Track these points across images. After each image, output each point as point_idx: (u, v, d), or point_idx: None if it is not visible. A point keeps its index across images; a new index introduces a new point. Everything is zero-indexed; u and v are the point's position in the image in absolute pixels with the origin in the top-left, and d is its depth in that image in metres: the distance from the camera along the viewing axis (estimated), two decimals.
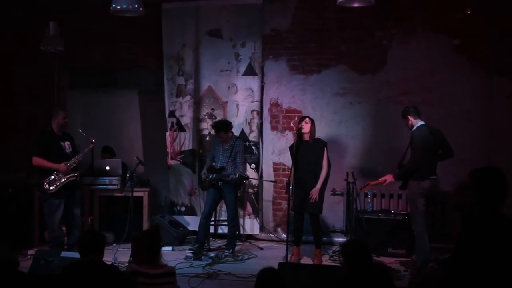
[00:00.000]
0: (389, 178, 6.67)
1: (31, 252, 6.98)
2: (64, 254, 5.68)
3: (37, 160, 6.92)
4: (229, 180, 7.25)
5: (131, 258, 6.27)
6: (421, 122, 6.53)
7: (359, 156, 8.25)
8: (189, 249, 7.33)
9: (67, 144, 7.15)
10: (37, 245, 7.51)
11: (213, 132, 7.78)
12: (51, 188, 6.88)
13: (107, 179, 7.94)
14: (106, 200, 8.36)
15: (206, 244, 7.59)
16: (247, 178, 7.61)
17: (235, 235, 7.62)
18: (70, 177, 6.99)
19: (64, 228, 7.23)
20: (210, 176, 7.37)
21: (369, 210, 7.86)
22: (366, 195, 8.02)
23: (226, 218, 7.79)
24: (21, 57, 8.91)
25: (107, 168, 7.99)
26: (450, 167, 6.91)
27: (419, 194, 6.40)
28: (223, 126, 7.41)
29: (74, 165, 7.05)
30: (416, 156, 6.37)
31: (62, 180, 6.93)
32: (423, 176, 6.39)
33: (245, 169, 8.03)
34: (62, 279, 3.97)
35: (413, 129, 6.53)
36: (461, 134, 7.54)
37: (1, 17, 8.73)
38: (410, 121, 6.55)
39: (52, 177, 6.90)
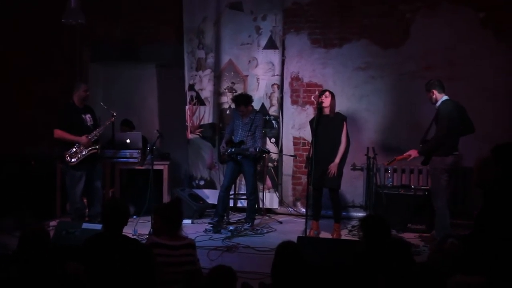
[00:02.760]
0: (413, 153, 6.61)
1: (53, 223, 7.05)
2: (85, 225, 5.75)
3: (59, 133, 6.98)
4: (248, 154, 7.24)
5: (151, 230, 6.39)
6: (445, 97, 6.43)
7: (380, 131, 8.18)
8: (209, 223, 7.37)
9: (88, 117, 7.19)
10: (59, 217, 7.60)
11: (233, 105, 7.76)
12: (73, 160, 6.95)
13: (127, 152, 7.97)
14: (126, 173, 8.41)
15: (225, 217, 7.62)
16: (268, 152, 7.60)
17: (254, 209, 7.64)
18: (91, 149, 7.04)
19: (85, 200, 7.32)
20: (229, 150, 7.36)
21: (389, 185, 7.82)
22: (386, 170, 7.98)
23: (245, 192, 7.80)
24: (42, 30, 8.91)
25: (128, 141, 8.02)
26: (472, 142, 6.84)
27: (442, 169, 6.35)
28: (243, 100, 7.38)
29: (95, 137, 7.10)
30: (442, 131, 6.29)
31: (84, 153, 6.99)
32: (447, 151, 6.33)
33: (264, 143, 8.02)
34: (83, 251, 4.01)
35: (437, 104, 6.43)
36: (484, 109, 7.45)
37: None
38: (434, 95, 6.45)
39: (74, 149, 6.96)
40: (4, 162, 7.82)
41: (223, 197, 7.49)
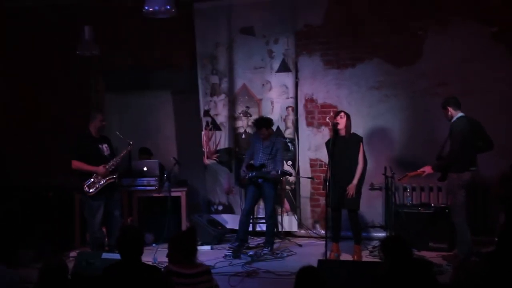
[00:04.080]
0: (427, 169, 6.58)
1: (73, 254, 7.07)
2: (105, 255, 5.75)
3: (76, 164, 7.02)
4: (270, 177, 7.23)
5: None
6: (460, 113, 6.42)
7: (397, 149, 8.13)
8: (229, 247, 7.34)
9: (105, 146, 7.23)
10: (79, 247, 7.61)
11: (249, 130, 7.78)
12: (91, 190, 6.98)
13: (145, 180, 7.99)
14: (144, 200, 8.42)
15: (247, 242, 7.57)
16: (290, 174, 7.59)
17: (273, 233, 7.60)
18: (109, 179, 7.07)
19: (104, 230, 7.33)
20: (250, 174, 7.35)
21: (408, 204, 7.75)
22: (405, 188, 7.91)
23: (263, 216, 7.77)
24: (57, 62, 9.06)
25: (145, 169, 8.04)
26: (490, 158, 6.78)
27: (459, 186, 6.31)
28: (265, 123, 7.40)
29: (113, 167, 7.13)
30: (455, 147, 6.28)
31: (102, 183, 7.02)
32: (463, 167, 6.29)
33: (283, 166, 8.01)
34: (102, 280, 4.01)
35: (452, 120, 6.42)
36: (500, 123, 7.39)
37: (38, 23, 8.89)
38: (450, 112, 6.45)
39: (92, 179, 6.99)
40: (21, 193, 7.88)
41: (244, 222, 7.46)
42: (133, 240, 4.07)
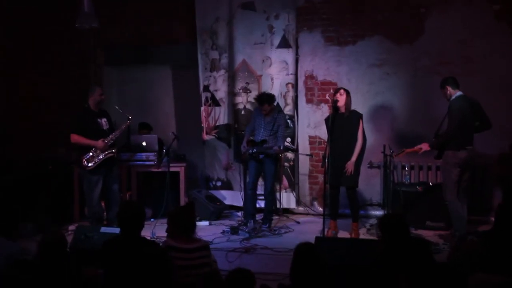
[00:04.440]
0: (424, 146, 6.62)
1: (71, 227, 7.11)
2: (103, 229, 5.76)
3: (75, 137, 7.01)
4: (272, 153, 7.23)
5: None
6: (459, 93, 6.42)
7: (396, 128, 8.12)
8: (246, 231, 7.11)
9: (104, 120, 7.22)
10: (78, 221, 7.64)
11: (249, 106, 7.74)
12: (90, 164, 6.98)
13: (144, 155, 7.98)
14: (143, 175, 8.43)
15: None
16: (294, 149, 7.57)
17: (272, 209, 7.62)
18: (108, 153, 7.07)
19: (103, 204, 7.35)
20: (251, 150, 7.35)
21: (406, 182, 7.75)
22: (403, 167, 7.92)
23: (262, 193, 7.78)
24: (56, 35, 8.98)
25: (144, 144, 8.03)
26: (489, 138, 6.80)
27: (455, 164, 6.34)
28: (267, 99, 7.37)
29: (112, 141, 7.12)
30: (452, 126, 6.30)
31: (100, 157, 7.01)
32: (460, 146, 6.32)
33: (284, 142, 8.02)
34: (101, 255, 4.03)
35: (451, 99, 6.42)
36: (501, 103, 7.39)
37: None
38: (448, 92, 6.46)
39: (90, 153, 6.99)
40: (22, 167, 7.88)
41: (251, 195, 7.47)
42: (134, 215, 4.09)
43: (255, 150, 7.30)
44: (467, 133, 6.38)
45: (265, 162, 7.35)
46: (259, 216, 7.75)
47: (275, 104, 7.55)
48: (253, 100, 8.27)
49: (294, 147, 7.89)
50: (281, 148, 7.21)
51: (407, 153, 6.82)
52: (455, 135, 6.31)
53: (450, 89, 6.44)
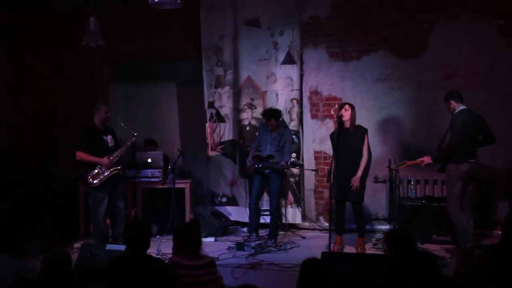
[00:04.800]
0: (426, 159, 6.65)
1: (77, 245, 7.10)
2: (109, 247, 5.76)
3: (81, 155, 7.03)
4: (279, 168, 7.23)
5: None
6: (462, 107, 6.47)
7: (401, 142, 8.11)
8: (252, 247, 7.08)
9: (109, 138, 7.24)
10: (83, 238, 7.64)
11: (254, 122, 7.77)
12: (95, 181, 6.99)
13: (149, 172, 7.99)
14: (148, 192, 8.44)
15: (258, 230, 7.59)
16: (301, 164, 7.58)
17: (277, 225, 7.60)
18: (113, 170, 7.08)
19: (108, 221, 7.34)
20: (257, 165, 7.35)
21: (412, 197, 7.74)
22: (409, 181, 7.91)
23: (267, 208, 7.76)
24: (63, 53, 9.04)
25: (149, 160, 8.04)
26: (495, 151, 6.80)
27: (457, 177, 6.37)
28: (274, 114, 7.40)
29: (117, 158, 7.14)
30: (455, 139, 6.35)
31: (106, 174, 7.03)
32: (462, 159, 6.35)
33: (290, 158, 8.03)
34: (107, 272, 4.01)
35: (453, 113, 6.45)
36: (505, 116, 7.39)
37: (43, 14, 8.87)
38: (452, 105, 6.51)
39: (96, 171, 7.00)
40: (27, 183, 7.89)
41: (254, 210, 7.49)
42: (140, 233, 4.07)
43: (261, 165, 7.30)
44: (470, 147, 6.41)
45: (271, 177, 7.35)
46: (264, 232, 7.73)
47: (281, 119, 7.56)
48: (258, 116, 8.30)
49: (302, 162, 7.89)
50: (288, 163, 7.21)
51: (409, 165, 6.82)
52: (457, 148, 6.34)
53: (453, 103, 6.48)
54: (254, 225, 7.48)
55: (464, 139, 6.31)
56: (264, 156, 7.36)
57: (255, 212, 7.50)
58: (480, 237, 6.95)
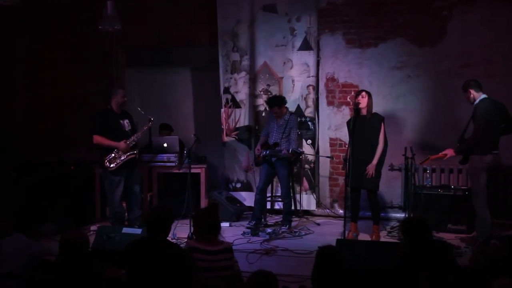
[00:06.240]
0: (449, 152, 6.52)
1: (93, 228, 7.17)
2: (125, 230, 5.81)
3: (98, 139, 7.08)
4: (282, 156, 7.23)
5: (189, 234, 6.44)
6: (483, 95, 6.33)
7: (418, 130, 8.08)
8: (247, 227, 7.37)
9: (126, 122, 7.27)
10: (99, 221, 7.71)
11: (268, 107, 7.77)
12: (112, 165, 7.03)
13: (165, 156, 8.01)
14: (164, 176, 8.47)
15: (263, 219, 7.63)
16: (301, 153, 7.58)
17: (290, 211, 7.61)
18: (130, 154, 7.12)
19: (124, 205, 7.40)
20: (264, 152, 7.37)
21: (428, 185, 7.71)
22: (425, 170, 7.88)
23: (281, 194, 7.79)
24: (80, 37, 9.08)
25: (165, 145, 8.07)
26: (511, 140, 6.71)
27: (482, 168, 6.26)
28: (276, 101, 7.38)
29: (134, 143, 7.18)
30: (479, 130, 6.21)
31: (122, 158, 7.07)
32: (486, 150, 6.23)
33: (300, 144, 8.05)
34: (124, 256, 4.05)
35: (475, 103, 6.35)
36: None
37: None
38: (472, 95, 6.37)
39: (112, 154, 7.04)
40: (44, 167, 7.97)
41: (259, 200, 7.50)
42: (163, 219, 4.12)
43: (267, 152, 7.32)
44: (493, 137, 6.29)
45: (277, 165, 7.36)
46: (279, 218, 7.76)
47: (287, 106, 7.53)
48: None
49: (302, 150, 7.84)
50: (290, 151, 7.19)
51: (432, 160, 6.74)
52: (481, 139, 6.22)
53: (473, 92, 6.36)
54: (257, 213, 7.49)
55: (488, 129, 6.19)
56: (271, 143, 7.38)
57: (259, 202, 7.50)
58: (496, 227, 6.91)
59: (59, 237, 4.18)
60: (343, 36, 8.38)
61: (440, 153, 6.60)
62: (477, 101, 6.33)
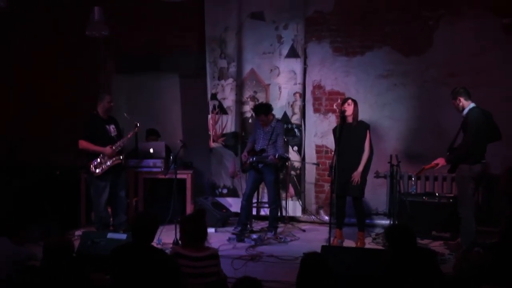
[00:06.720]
0: (441, 161, 6.51)
1: (78, 233, 7.14)
2: (110, 235, 5.80)
3: (83, 144, 7.06)
4: (268, 162, 7.26)
5: (175, 239, 6.43)
6: (472, 104, 6.34)
7: (403, 138, 8.14)
8: (232, 233, 7.38)
9: (112, 127, 7.26)
10: (84, 226, 7.68)
11: (254, 115, 7.79)
12: (97, 170, 7.02)
13: (151, 162, 8.01)
14: (150, 182, 8.46)
15: (248, 226, 7.64)
16: (287, 159, 7.60)
17: (276, 217, 7.63)
18: (116, 160, 7.11)
19: (109, 210, 7.38)
20: (251, 159, 7.40)
21: (413, 192, 7.77)
22: (410, 177, 7.93)
23: (267, 200, 7.80)
24: (67, 42, 9.04)
25: (151, 150, 8.06)
26: (497, 149, 6.76)
27: (470, 178, 6.28)
28: (263, 109, 7.41)
29: (119, 148, 7.17)
30: (469, 139, 6.22)
31: (108, 163, 7.06)
32: (475, 160, 6.25)
33: (287, 151, 8.08)
34: (110, 261, 4.04)
35: (465, 111, 6.36)
36: (508, 114, 7.37)
37: (47, 3, 8.87)
38: (461, 103, 6.37)
39: (98, 160, 7.03)
40: (29, 172, 7.92)
41: (246, 206, 7.51)
42: (149, 226, 4.12)
43: (254, 159, 7.35)
44: (482, 147, 6.31)
45: (264, 171, 7.39)
46: (264, 224, 7.77)
47: (273, 113, 7.56)
48: None
49: (288, 155, 7.89)
50: (276, 156, 7.22)
51: (426, 169, 6.75)
52: (472, 149, 6.23)
53: (463, 100, 6.35)
54: (242, 219, 7.50)
55: (478, 138, 6.21)
56: (258, 150, 7.40)
57: (245, 208, 7.51)
58: (481, 235, 6.95)
59: (43, 243, 4.16)
60: (330, 44, 8.43)
61: (432, 163, 6.56)
62: (466, 109, 6.34)
